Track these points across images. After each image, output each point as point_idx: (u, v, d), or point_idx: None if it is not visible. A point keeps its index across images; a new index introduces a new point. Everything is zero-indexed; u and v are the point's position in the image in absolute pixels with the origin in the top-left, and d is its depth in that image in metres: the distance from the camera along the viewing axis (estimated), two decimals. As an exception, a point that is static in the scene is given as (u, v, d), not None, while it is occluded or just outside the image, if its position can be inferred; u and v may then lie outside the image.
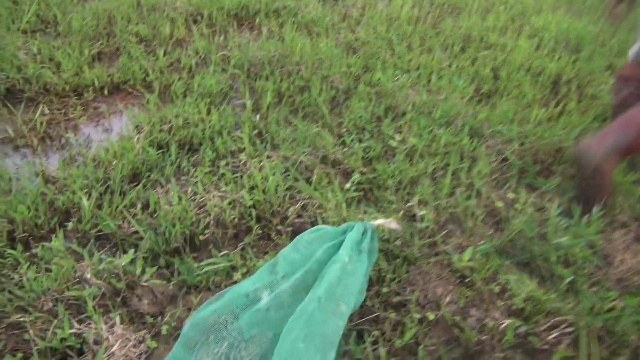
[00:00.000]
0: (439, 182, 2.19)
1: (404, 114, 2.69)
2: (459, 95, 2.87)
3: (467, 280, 1.75)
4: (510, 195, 2.14)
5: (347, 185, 2.14)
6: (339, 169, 2.30)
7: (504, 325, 1.61)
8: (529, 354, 1.59)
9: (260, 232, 1.92)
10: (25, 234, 1.80)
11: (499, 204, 2.09)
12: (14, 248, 1.72)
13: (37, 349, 1.45)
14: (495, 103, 2.88)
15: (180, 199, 1.95)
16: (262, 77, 2.94)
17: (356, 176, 2.16)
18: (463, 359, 1.58)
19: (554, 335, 1.58)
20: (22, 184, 1.98)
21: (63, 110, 2.61)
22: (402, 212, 2.03)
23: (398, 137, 2.47)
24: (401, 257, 1.82)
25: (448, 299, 1.69)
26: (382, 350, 1.48)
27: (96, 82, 2.77)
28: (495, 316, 1.65)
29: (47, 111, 2.56)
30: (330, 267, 1.40)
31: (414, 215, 2.01)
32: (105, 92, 2.79)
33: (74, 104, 2.65)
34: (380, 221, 1.70)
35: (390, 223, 1.71)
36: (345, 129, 2.57)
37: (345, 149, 2.39)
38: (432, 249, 1.89)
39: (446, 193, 2.09)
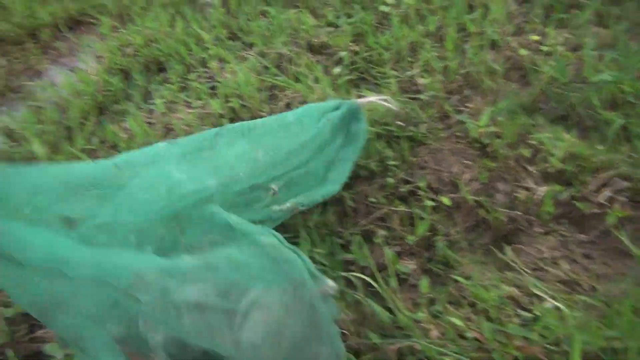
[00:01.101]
0: (444, 41, 1.80)
1: (396, -29, 2.23)
2: None
3: (488, 149, 1.43)
4: (535, 37, 1.72)
5: (337, 70, 1.80)
6: (327, 53, 1.95)
7: (540, 194, 1.30)
8: (576, 223, 1.29)
9: (241, 143, 1.65)
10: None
11: (522, 52, 1.69)
12: (-24, 214, 1.56)
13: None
14: None
15: (141, 126, 1.70)
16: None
17: (344, 54, 1.80)
18: (495, 242, 1.30)
19: (605, 196, 1.26)
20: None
21: (22, 58, 2.35)
22: (404, 86, 1.68)
23: (390, 0, 2.05)
24: (405, 138, 1.51)
25: (467, 176, 1.38)
26: (389, 252, 1.23)
27: (51, 20, 2.48)
28: (528, 185, 1.33)
29: (4, 62, 2.31)
30: None
31: (417, 85, 1.66)
32: (63, 29, 2.49)
33: (32, 48, 2.39)
34: (370, 99, 1.37)
35: (384, 101, 1.38)
36: (331, 8, 2.17)
37: (332, 29, 2.01)
38: (444, 122, 1.56)
39: (451, 50, 1.71)
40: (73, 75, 2.12)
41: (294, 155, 1.22)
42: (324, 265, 1.24)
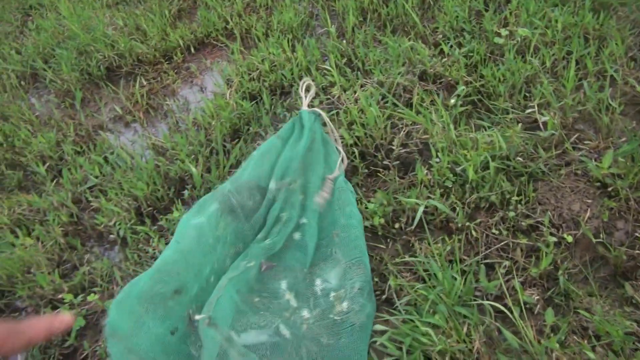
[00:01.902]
0: (561, 77, 1.88)
1: (508, 1, 2.32)
2: (574, -39, 2.38)
3: (609, 189, 1.52)
4: (655, 75, 1.77)
5: (452, 101, 1.94)
6: (441, 83, 2.09)
7: (661, 236, 1.38)
8: (698, 265, 1.36)
9: (366, 170, 1.84)
10: (150, 208, 1.92)
11: (641, 89, 1.75)
12: (143, 223, 1.86)
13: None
14: (623, -40, 2.35)
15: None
16: (341, -5, 2.70)
17: (461, 88, 1.93)
18: (613, 279, 1.40)
19: None
20: (137, 160, 2.10)
21: (158, 78, 2.67)
22: (520, 121, 1.79)
23: (504, 31, 2.14)
24: (525, 174, 1.62)
25: (587, 214, 1.48)
26: (517, 282, 1.37)
27: (182, 43, 2.78)
28: (650, 227, 1.42)
29: (144, 82, 2.64)
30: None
31: (535, 122, 1.77)
32: (192, 50, 2.79)
33: (166, 69, 2.70)
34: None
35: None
36: (441, 35, 2.30)
37: (445, 59, 2.14)
38: (561, 159, 1.66)
39: (571, 88, 1.79)
40: (208, 96, 2.40)
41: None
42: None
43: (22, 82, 2.78)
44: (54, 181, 2.12)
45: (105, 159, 2.16)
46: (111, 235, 1.87)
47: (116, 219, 1.86)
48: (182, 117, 2.35)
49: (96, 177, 2.06)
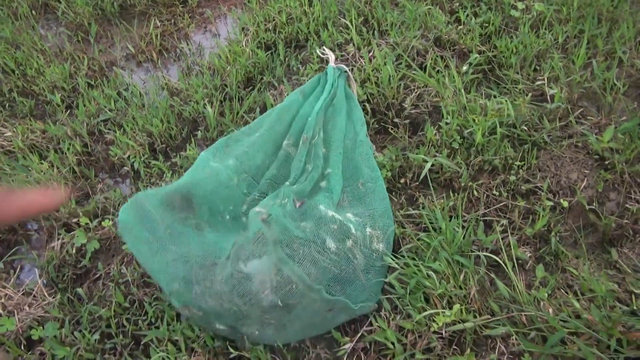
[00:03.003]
0: (571, 54, 1.95)
1: (526, -25, 2.35)
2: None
3: (606, 162, 1.61)
4: (661, 60, 1.84)
5: (464, 68, 2.00)
6: (454, 50, 2.14)
7: (650, 208, 1.49)
8: (678, 237, 1.47)
9: (377, 126, 1.91)
10: (163, 145, 1.97)
11: (647, 72, 1.82)
12: (156, 159, 1.91)
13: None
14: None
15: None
16: (362, -46, 2.70)
17: (474, 57, 1.99)
18: (600, 244, 1.51)
19: None
20: (152, 98, 2.13)
21: (172, 21, 2.67)
22: (529, 92, 1.86)
23: (520, 5, 2.19)
24: (529, 142, 1.71)
25: (584, 184, 1.58)
26: (512, 239, 1.47)
27: (197, -14, 2.76)
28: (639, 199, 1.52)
29: (158, 23, 2.64)
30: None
31: (543, 95, 1.84)
32: (208, -5, 2.79)
33: (181, 12, 2.70)
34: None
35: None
36: (458, 3, 2.33)
37: (460, 27, 2.19)
38: (564, 131, 1.74)
39: (580, 65, 1.86)
40: (222, 42, 2.42)
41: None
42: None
43: (33, 12, 2.75)
44: (68, 111, 2.15)
45: (119, 94, 2.19)
46: (124, 168, 1.93)
47: (130, 152, 1.91)
48: (196, 60, 2.38)
49: (110, 110, 2.09)
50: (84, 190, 1.88)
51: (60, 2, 2.70)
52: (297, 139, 1.59)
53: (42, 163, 1.86)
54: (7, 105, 2.24)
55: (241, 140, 1.59)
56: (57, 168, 1.87)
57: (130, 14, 2.75)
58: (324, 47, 1.87)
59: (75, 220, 1.73)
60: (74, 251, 1.66)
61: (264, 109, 2.02)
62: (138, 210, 1.32)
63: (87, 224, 1.69)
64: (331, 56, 1.76)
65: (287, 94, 2.01)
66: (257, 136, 1.60)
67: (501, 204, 1.60)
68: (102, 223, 1.70)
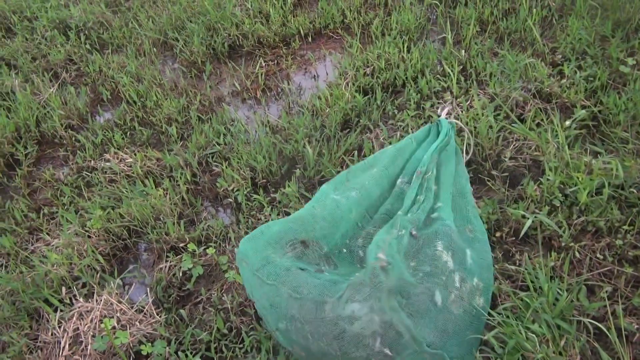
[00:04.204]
0: (687, 115, 1.86)
1: (637, 30, 2.29)
2: None
3: None
4: None
5: (568, 123, 1.96)
6: (556, 103, 2.11)
7: None
8: None
9: (472, 176, 1.91)
10: (264, 180, 2.09)
11: None
12: (257, 193, 2.03)
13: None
14: None
15: (390, 144, 2.03)
16: (462, 4, 2.76)
17: (580, 112, 1.95)
18: None
19: None
20: (256, 134, 2.28)
21: (276, 61, 2.85)
22: (638, 153, 1.79)
23: (630, 60, 2.12)
24: (639, 205, 1.64)
25: (701, 256, 1.49)
26: (619, 308, 1.40)
27: (301, 30, 2.94)
28: None
29: (263, 64, 2.83)
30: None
31: (655, 157, 1.77)
32: (309, 38, 2.95)
33: (284, 54, 2.88)
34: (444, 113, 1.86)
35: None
36: (561, 56, 2.31)
37: (563, 80, 2.16)
38: (679, 195, 1.65)
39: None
40: (321, 84, 2.55)
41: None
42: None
43: (154, 49, 3.05)
44: (181, 142, 2.35)
45: (226, 128, 2.36)
46: (227, 199, 2.07)
47: (234, 185, 2.05)
48: (297, 100, 2.52)
49: (218, 144, 2.26)
50: (190, 217, 2.04)
51: (178, 41, 2.98)
52: (410, 178, 1.69)
53: (157, 189, 2.04)
54: (128, 133, 2.49)
55: (359, 176, 1.68)
56: (169, 195, 2.04)
57: (238, 54, 2.97)
58: (445, 105, 1.96)
59: (182, 244, 1.88)
60: (180, 274, 1.79)
61: (360, 152, 2.10)
62: (258, 242, 1.42)
63: (193, 250, 1.82)
64: (444, 113, 1.85)
65: (384, 138, 2.08)
66: (375, 171, 1.69)
67: (605, 268, 1.54)
68: (207, 250, 1.82)
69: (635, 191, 1.66)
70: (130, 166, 2.20)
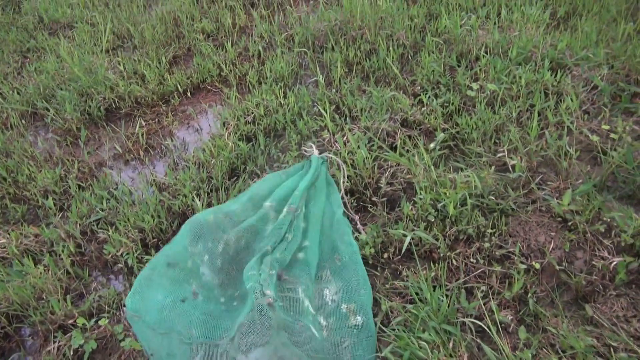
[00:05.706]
0: (525, 126, 2.15)
1: (477, 59, 2.63)
2: (533, 26, 2.73)
3: (569, 223, 1.75)
4: (605, 126, 2.05)
5: (432, 145, 2.17)
6: (420, 129, 2.33)
7: (614, 263, 1.61)
8: (645, 289, 1.58)
9: (356, 204, 2.03)
10: (155, 239, 2.05)
11: (594, 138, 2.02)
12: (148, 253, 1.98)
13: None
14: (575, 26, 2.71)
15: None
16: (328, 48, 2.98)
17: (440, 135, 2.17)
18: (575, 301, 1.61)
19: (670, 268, 1.56)
20: (142, 194, 2.24)
21: (156, 119, 2.84)
22: (492, 164, 2.03)
23: (475, 85, 2.43)
24: (497, 210, 1.85)
25: (552, 245, 1.71)
26: (493, 304, 1.56)
27: (179, 87, 2.97)
28: (604, 256, 1.65)
29: (143, 123, 2.80)
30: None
31: (505, 165, 2.01)
32: (188, 94, 2.99)
33: (164, 111, 2.88)
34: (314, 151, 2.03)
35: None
36: (419, 87, 2.57)
37: (424, 108, 2.40)
38: (528, 197, 1.89)
39: (535, 136, 2.06)
40: (205, 137, 2.58)
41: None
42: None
43: (23, 121, 2.90)
44: (60, 214, 2.23)
45: (110, 193, 2.29)
46: (117, 265, 1.99)
47: (123, 249, 1.98)
48: (181, 155, 2.52)
49: (102, 210, 2.18)
50: (78, 291, 1.92)
51: (49, 110, 2.86)
52: (278, 205, 1.77)
53: (37, 267, 1.91)
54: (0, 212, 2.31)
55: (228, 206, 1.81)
56: (51, 272, 1.92)
57: (116, 116, 2.92)
58: (310, 142, 2.08)
59: (71, 321, 1.76)
60: (71, 353, 1.67)
61: (249, 197, 2.14)
62: (144, 292, 1.40)
63: (83, 324, 1.72)
64: (315, 150, 1.97)
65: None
66: (243, 199, 1.86)
67: (479, 270, 1.71)
68: (100, 322, 1.73)
69: (493, 197, 1.88)
70: (5, 247, 2.04)
